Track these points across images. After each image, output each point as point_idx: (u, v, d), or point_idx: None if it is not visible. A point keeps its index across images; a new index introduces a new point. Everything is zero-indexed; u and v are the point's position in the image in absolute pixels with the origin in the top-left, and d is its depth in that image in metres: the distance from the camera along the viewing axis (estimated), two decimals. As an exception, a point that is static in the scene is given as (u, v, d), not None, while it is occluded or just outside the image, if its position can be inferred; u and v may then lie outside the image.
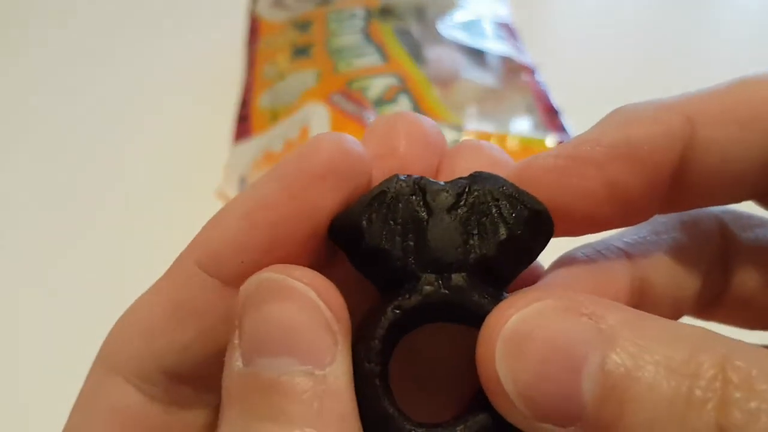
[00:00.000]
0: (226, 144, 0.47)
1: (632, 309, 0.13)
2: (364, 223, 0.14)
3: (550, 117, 0.46)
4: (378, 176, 0.15)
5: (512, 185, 0.14)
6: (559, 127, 0.45)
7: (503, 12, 0.56)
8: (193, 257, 0.15)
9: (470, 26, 0.53)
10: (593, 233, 0.15)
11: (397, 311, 0.14)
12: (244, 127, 0.47)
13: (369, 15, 0.53)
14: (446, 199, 0.14)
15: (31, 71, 0.59)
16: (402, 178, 0.15)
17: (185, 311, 0.15)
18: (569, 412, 0.12)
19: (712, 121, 0.14)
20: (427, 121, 0.16)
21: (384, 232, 0.14)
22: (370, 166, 0.15)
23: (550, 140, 0.43)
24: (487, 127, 0.45)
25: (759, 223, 0.18)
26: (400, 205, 0.14)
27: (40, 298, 0.41)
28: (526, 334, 0.13)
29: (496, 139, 0.43)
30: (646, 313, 0.13)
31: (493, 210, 0.14)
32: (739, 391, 0.11)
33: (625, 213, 0.15)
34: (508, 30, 0.54)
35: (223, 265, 0.15)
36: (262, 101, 0.48)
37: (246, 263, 0.14)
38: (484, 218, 0.14)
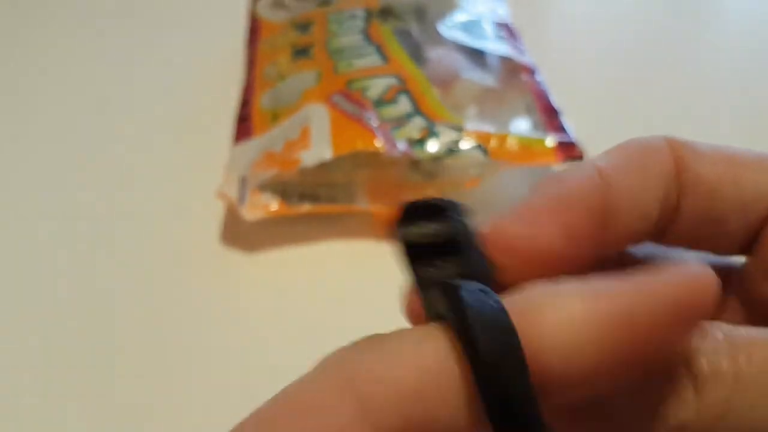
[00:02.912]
0: (226, 144, 0.47)
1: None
2: None
3: (550, 117, 0.46)
4: None
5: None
6: (559, 128, 0.45)
7: (503, 12, 0.56)
8: None
9: (470, 27, 0.53)
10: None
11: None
12: (244, 127, 0.47)
13: (369, 15, 0.53)
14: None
15: (30, 71, 0.60)
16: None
17: None
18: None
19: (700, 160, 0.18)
20: None
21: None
22: None
23: (550, 140, 0.43)
24: (487, 128, 0.45)
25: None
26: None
27: (40, 298, 0.41)
28: None
29: (496, 139, 0.43)
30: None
31: None
32: None
33: None
34: (507, 30, 0.54)
35: None
36: (263, 102, 0.48)
37: None
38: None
